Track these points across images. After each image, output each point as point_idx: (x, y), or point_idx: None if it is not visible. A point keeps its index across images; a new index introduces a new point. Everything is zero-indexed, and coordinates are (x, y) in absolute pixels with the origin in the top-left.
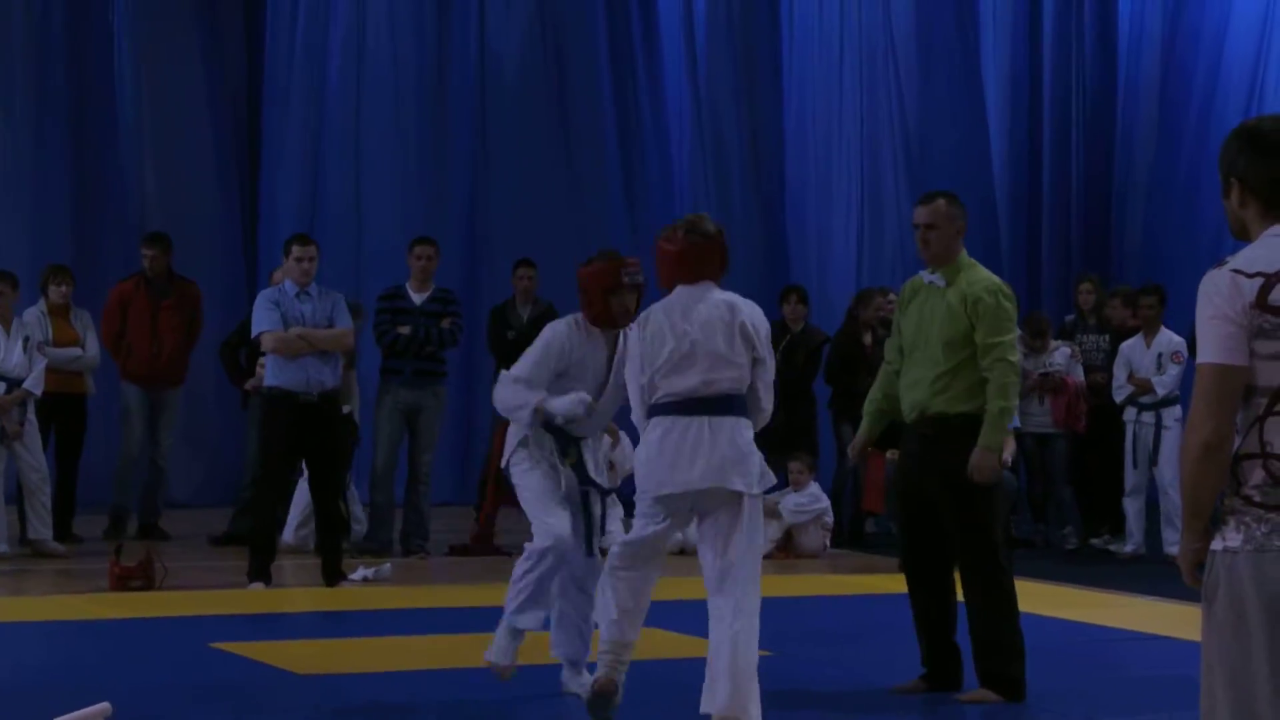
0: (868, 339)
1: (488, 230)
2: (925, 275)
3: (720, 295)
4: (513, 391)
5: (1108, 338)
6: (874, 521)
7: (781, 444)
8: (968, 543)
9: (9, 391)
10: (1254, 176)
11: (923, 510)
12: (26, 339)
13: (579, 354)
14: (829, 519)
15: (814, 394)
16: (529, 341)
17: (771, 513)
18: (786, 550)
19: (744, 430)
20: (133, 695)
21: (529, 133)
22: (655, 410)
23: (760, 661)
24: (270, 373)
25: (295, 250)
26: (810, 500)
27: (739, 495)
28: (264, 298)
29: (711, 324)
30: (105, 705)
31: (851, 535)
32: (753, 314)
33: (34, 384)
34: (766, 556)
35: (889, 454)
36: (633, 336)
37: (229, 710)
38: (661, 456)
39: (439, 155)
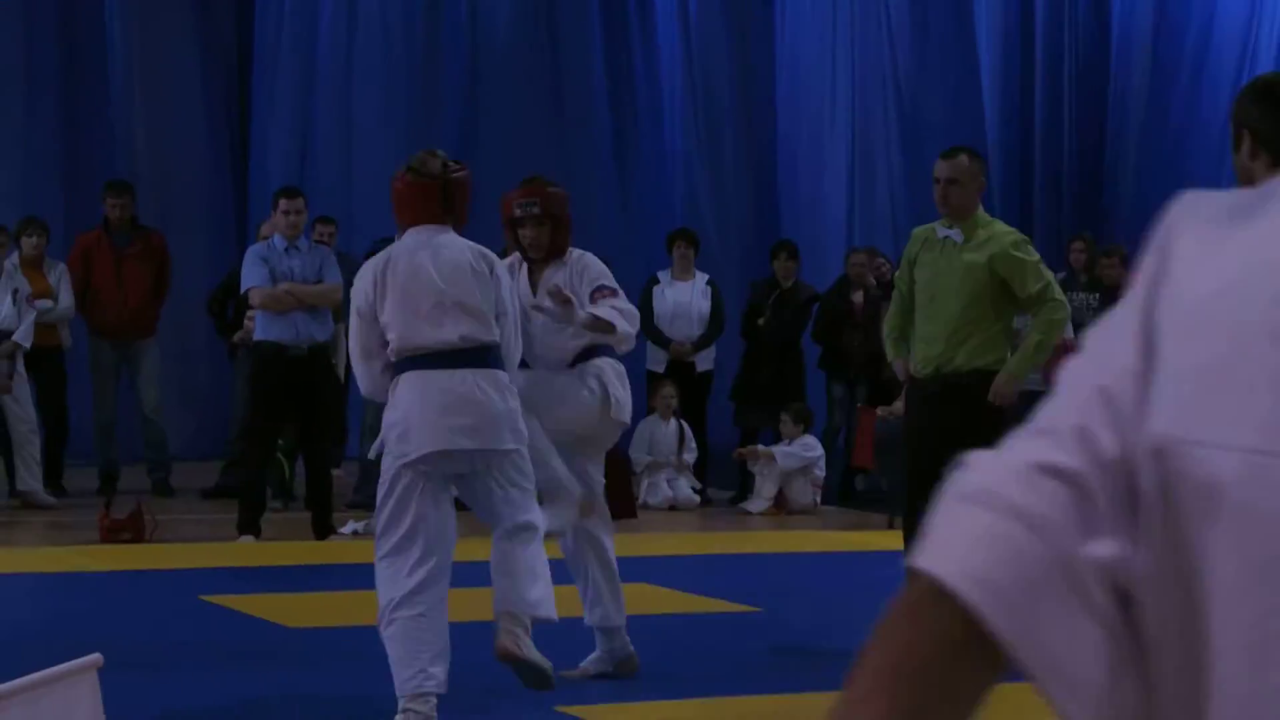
0: (858, 297)
1: (477, 187)
2: (940, 229)
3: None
4: None
5: (1098, 296)
6: (863, 478)
7: (772, 400)
8: None
9: None
10: (1266, 129)
11: (933, 468)
12: (15, 291)
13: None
14: (820, 472)
15: (802, 349)
16: None
17: (766, 457)
18: (778, 507)
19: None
20: (123, 647)
21: (520, 92)
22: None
23: (748, 617)
24: (260, 327)
25: (283, 203)
26: (804, 448)
27: None
28: (252, 253)
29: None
30: (96, 656)
31: (841, 492)
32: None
33: (24, 336)
34: (761, 513)
35: (880, 410)
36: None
37: (220, 662)
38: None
39: (429, 112)
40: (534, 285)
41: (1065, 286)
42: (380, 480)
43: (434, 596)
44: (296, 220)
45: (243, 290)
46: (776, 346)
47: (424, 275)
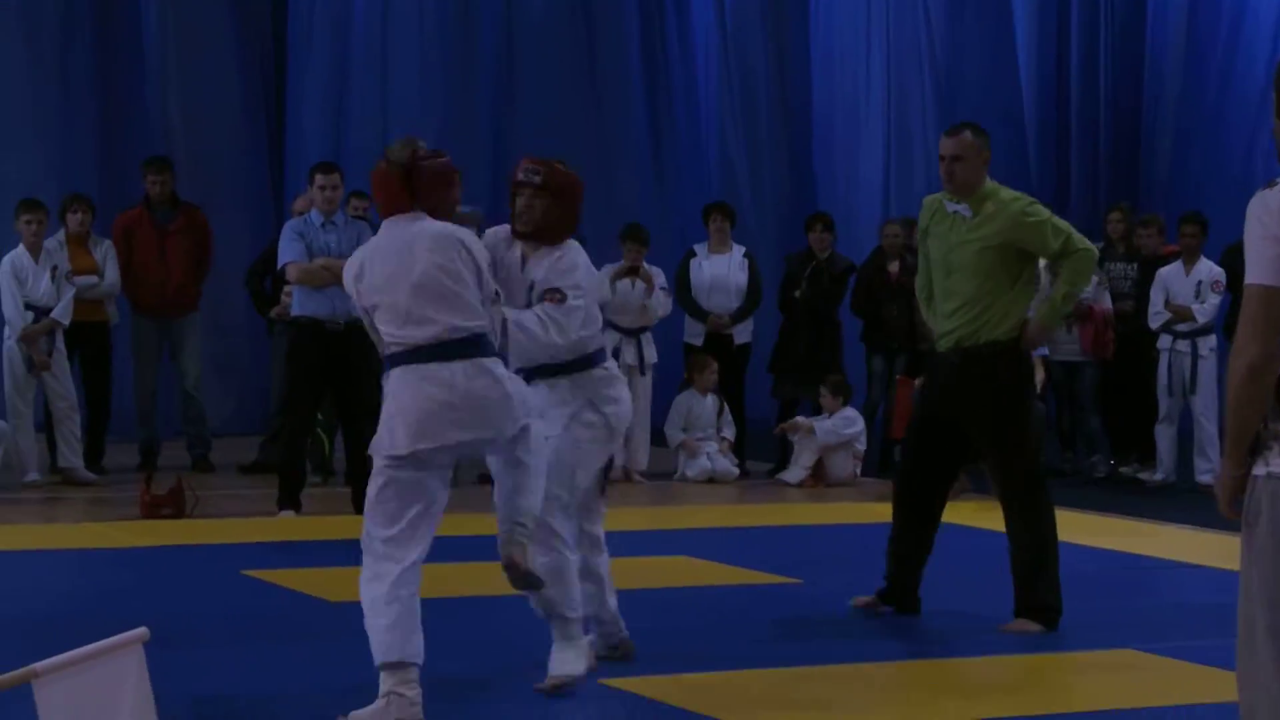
0: (894, 268)
1: (512, 163)
2: (949, 204)
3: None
4: None
5: (1136, 266)
6: (901, 448)
7: (809, 372)
8: (1008, 471)
9: (37, 320)
10: None
11: (936, 438)
12: (55, 268)
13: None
14: (861, 445)
15: (839, 320)
16: None
17: (805, 430)
18: (817, 478)
19: None
20: (165, 621)
21: (554, 63)
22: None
23: (788, 589)
24: (297, 302)
25: (319, 179)
26: (845, 423)
27: None
28: (289, 228)
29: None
30: (143, 630)
31: (881, 463)
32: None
33: (62, 313)
34: (798, 485)
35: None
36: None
37: (263, 636)
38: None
39: (465, 86)
40: (523, 267)
41: (1103, 257)
42: (373, 475)
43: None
44: (333, 195)
45: (279, 266)
46: (813, 318)
47: (400, 269)
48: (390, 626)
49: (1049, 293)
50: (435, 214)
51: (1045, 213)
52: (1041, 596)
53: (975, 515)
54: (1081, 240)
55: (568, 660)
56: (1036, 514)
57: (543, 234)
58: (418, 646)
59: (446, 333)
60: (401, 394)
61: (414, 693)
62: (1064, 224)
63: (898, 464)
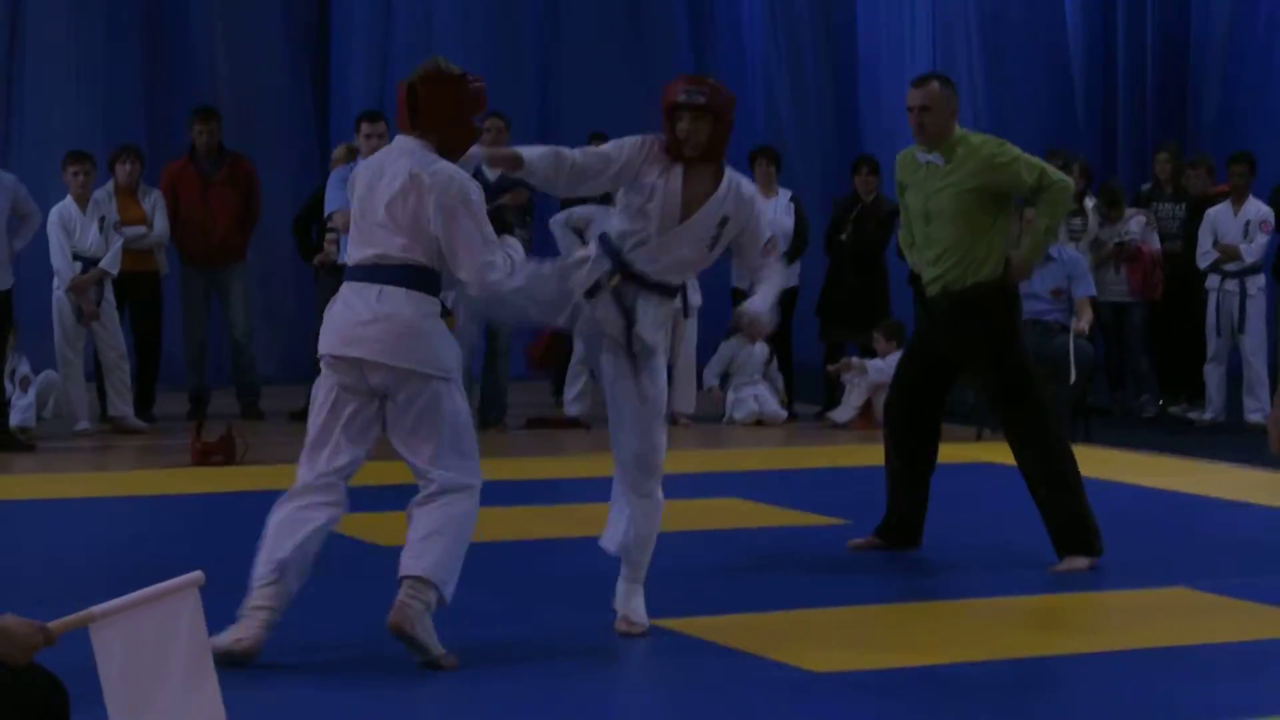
0: None
1: (559, 109)
2: (921, 155)
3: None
4: None
5: (1184, 206)
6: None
7: (855, 315)
8: (1014, 408)
9: (85, 271)
10: None
11: (928, 375)
12: (103, 219)
13: (642, 177)
14: None
15: (886, 263)
16: None
17: (858, 369)
18: (865, 419)
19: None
20: (218, 567)
21: (599, 7)
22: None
23: (837, 530)
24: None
25: (364, 128)
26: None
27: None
28: (335, 177)
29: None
30: (198, 574)
31: None
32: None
33: (110, 263)
34: (845, 426)
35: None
36: None
37: (316, 581)
38: None
39: (510, 32)
40: (686, 193)
41: (1151, 198)
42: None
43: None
44: (378, 144)
45: (326, 214)
46: (858, 262)
47: (367, 189)
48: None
49: (1095, 232)
50: (444, 141)
51: (1015, 151)
52: (1076, 531)
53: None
54: (1055, 173)
55: (640, 606)
56: (1050, 449)
57: (708, 156)
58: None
59: (378, 259)
60: (332, 305)
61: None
62: (1035, 160)
63: (887, 403)
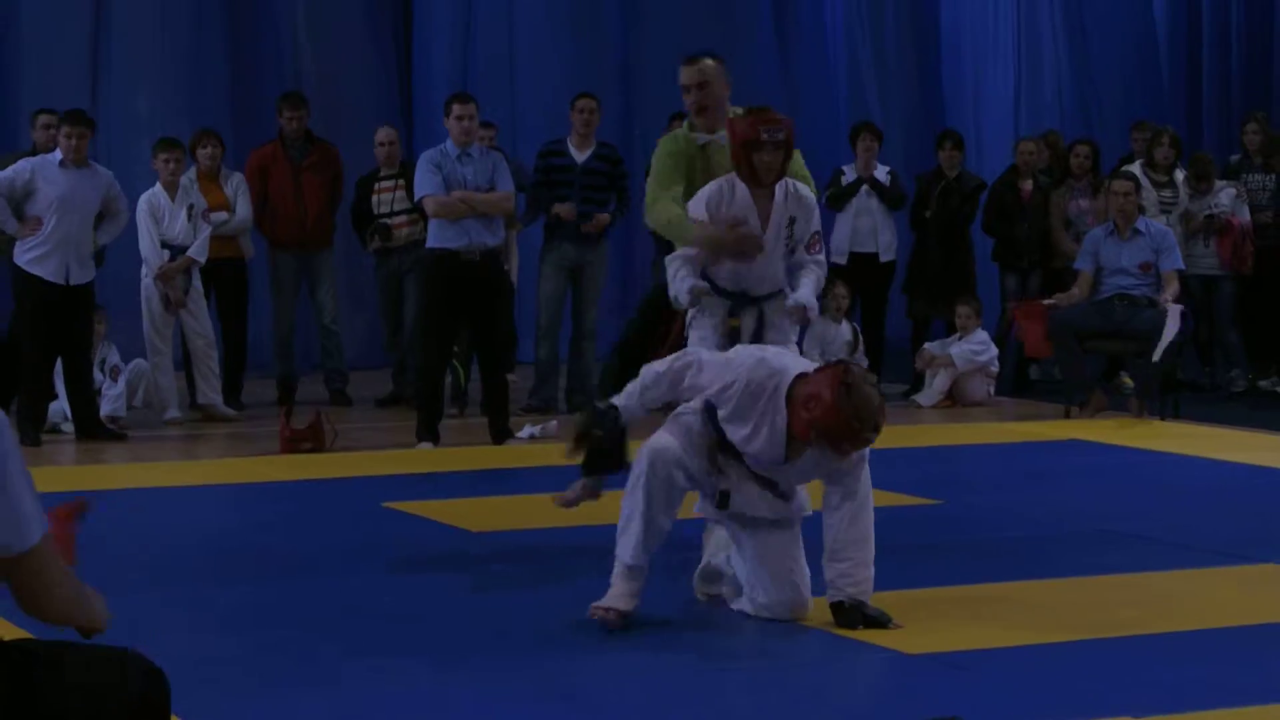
0: (1027, 186)
1: (642, 86)
2: (701, 136)
3: None
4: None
5: (1274, 177)
6: (1037, 368)
7: (942, 290)
8: None
9: (173, 259)
10: None
11: None
12: (191, 206)
13: (723, 212)
14: (994, 367)
15: (971, 239)
16: None
17: (943, 362)
18: (952, 399)
19: None
20: (311, 552)
21: None
22: None
23: (932, 510)
24: (432, 234)
25: (455, 109)
26: (981, 348)
27: None
28: (426, 160)
29: None
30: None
31: (1016, 382)
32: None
33: (198, 251)
34: (933, 406)
35: (1047, 301)
36: None
37: (406, 566)
38: None
39: (592, 13)
40: (761, 211)
41: (1240, 169)
42: None
43: None
44: (470, 126)
45: (417, 198)
46: (944, 237)
47: None
48: None
49: (1185, 205)
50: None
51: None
52: None
53: (1112, 433)
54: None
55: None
56: None
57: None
58: None
59: None
60: None
61: None
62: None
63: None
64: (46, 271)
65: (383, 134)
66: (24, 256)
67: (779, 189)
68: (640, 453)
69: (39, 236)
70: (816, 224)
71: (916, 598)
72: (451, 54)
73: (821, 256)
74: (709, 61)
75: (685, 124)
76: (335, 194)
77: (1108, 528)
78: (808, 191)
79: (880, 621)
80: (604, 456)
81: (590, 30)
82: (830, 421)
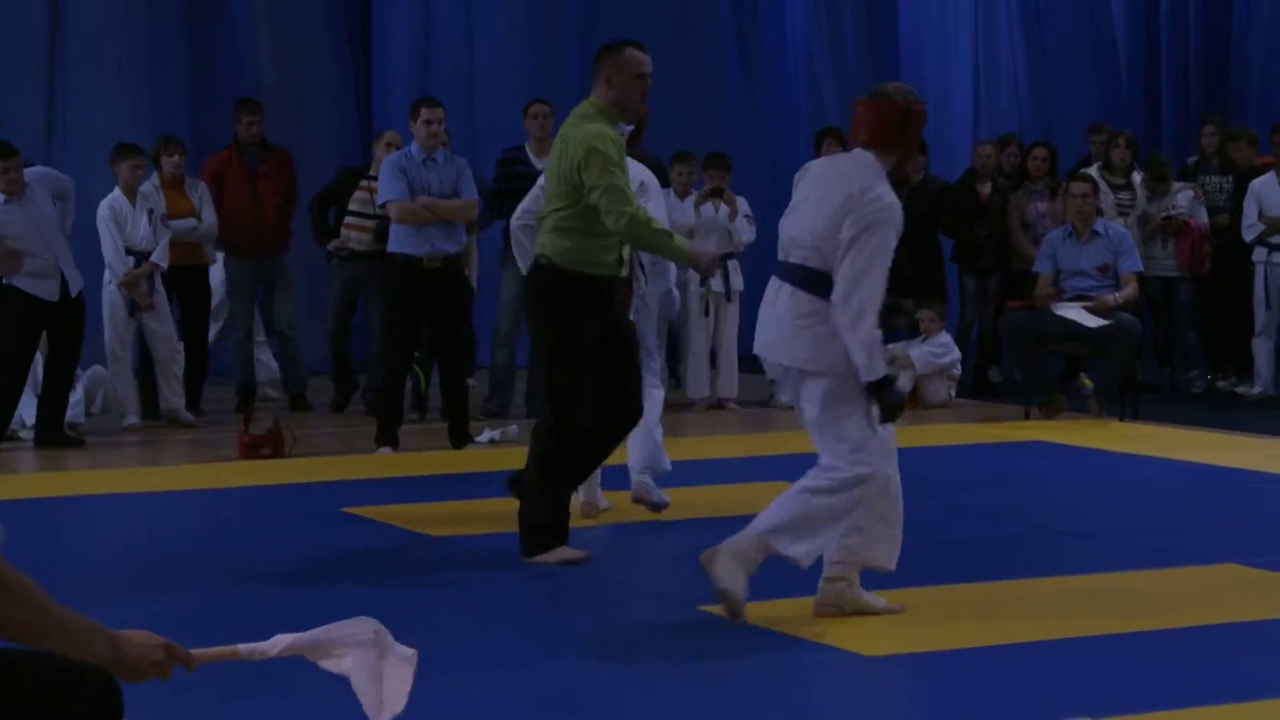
0: (985, 188)
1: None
2: (624, 127)
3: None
4: None
5: (1231, 179)
6: (997, 370)
7: (909, 291)
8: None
9: (137, 265)
10: None
11: None
12: (151, 211)
13: None
14: (957, 370)
15: (940, 242)
16: None
17: (904, 364)
18: (913, 401)
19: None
20: (271, 559)
21: None
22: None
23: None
24: (394, 239)
25: (423, 113)
26: (943, 350)
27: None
28: (390, 164)
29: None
30: (414, 654)
31: (976, 385)
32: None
33: (160, 256)
34: None
35: (1010, 303)
36: None
37: (367, 572)
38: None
39: (551, 18)
40: None
41: (1197, 171)
42: None
43: None
44: (437, 130)
45: (380, 202)
46: (912, 240)
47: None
48: None
49: (1142, 206)
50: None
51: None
52: None
53: (1072, 434)
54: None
55: None
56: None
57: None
58: None
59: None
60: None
61: None
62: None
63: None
64: (44, 292)
65: (389, 136)
66: (23, 281)
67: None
68: (872, 468)
69: (28, 267)
70: None
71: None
72: (411, 62)
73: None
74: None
75: (605, 118)
76: (289, 200)
77: (1067, 529)
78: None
79: None
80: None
81: (549, 37)
82: None
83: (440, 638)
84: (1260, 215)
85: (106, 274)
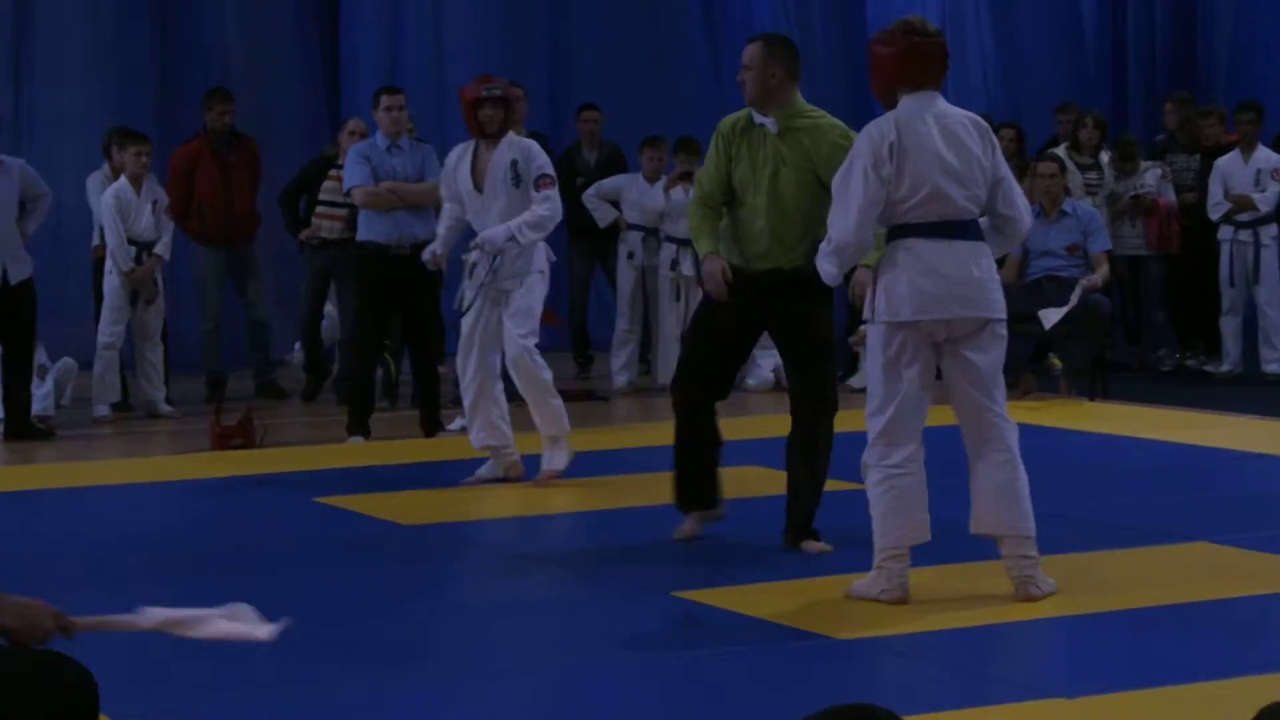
0: None
1: (568, 81)
2: (757, 116)
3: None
4: None
5: (1199, 157)
6: None
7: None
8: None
9: (138, 255)
10: None
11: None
12: (155, 202)
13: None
14: None
15: None
16: None
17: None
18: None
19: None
20: (242, 550)
21: None
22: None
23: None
24: (362, 227)
25: (384, 100)
26: None
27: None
28: (355, 152)
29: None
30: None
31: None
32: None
33: (164, 249)
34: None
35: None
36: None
37: (338, 561)
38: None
39: (520, 4)
40: (483, 161)
41: (1165, 150)
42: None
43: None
44: (399, 116)
45: (345, 189)
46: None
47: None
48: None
49: (1111, 186)
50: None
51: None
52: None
53: (1042, 414)
54: None
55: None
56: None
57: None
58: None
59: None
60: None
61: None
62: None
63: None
64: None
65: (353, 124)
66: None
67: (503, 141)
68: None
69: None
70: (544, 167)
71: (848, 583)
72: (379, 52)
73: (548, 193)
74: (751, 45)
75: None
76: (255, 188)
77: (1038, 509)
78: (531, 142)
79: None
80: None
81: (519, 26)
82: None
83: (412, 627)
84: (1225, 194)
85: (110, 261)
